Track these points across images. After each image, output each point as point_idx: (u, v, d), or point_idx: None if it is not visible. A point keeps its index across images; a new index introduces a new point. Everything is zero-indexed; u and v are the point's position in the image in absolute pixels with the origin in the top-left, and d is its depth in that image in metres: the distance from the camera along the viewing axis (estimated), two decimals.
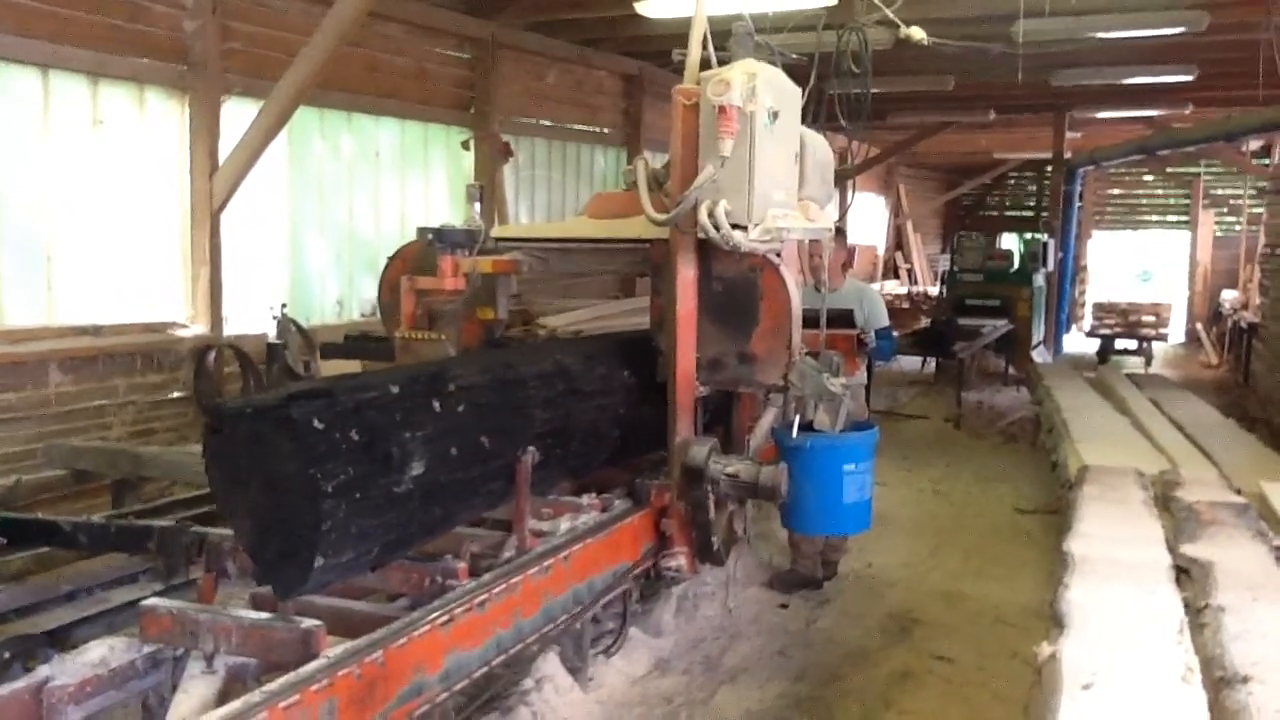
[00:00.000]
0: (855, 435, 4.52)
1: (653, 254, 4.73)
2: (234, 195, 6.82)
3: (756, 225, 4.02)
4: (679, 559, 4.41)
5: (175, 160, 6.80)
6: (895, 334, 6.79)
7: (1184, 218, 21.86)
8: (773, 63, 4.31)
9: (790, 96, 4.33)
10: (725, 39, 4.35)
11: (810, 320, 4.64)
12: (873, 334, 6.05)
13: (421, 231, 4.99)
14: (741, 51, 4.25)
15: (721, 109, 3.92)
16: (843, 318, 5.73)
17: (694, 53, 4.31)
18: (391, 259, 5.42)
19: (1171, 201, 22.65)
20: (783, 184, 4.29)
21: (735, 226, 3.97)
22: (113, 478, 5.29)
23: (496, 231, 5.38)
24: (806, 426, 4.46)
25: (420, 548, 3.57)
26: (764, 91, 4.02)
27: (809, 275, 5.64)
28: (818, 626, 5.30)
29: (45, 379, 5.97)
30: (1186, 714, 2.84)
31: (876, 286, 19.49)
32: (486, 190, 9.27)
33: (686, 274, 4.34)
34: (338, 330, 7.29)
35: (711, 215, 3.94)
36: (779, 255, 4.41)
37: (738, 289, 4.41)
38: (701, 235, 4.03)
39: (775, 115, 4.12)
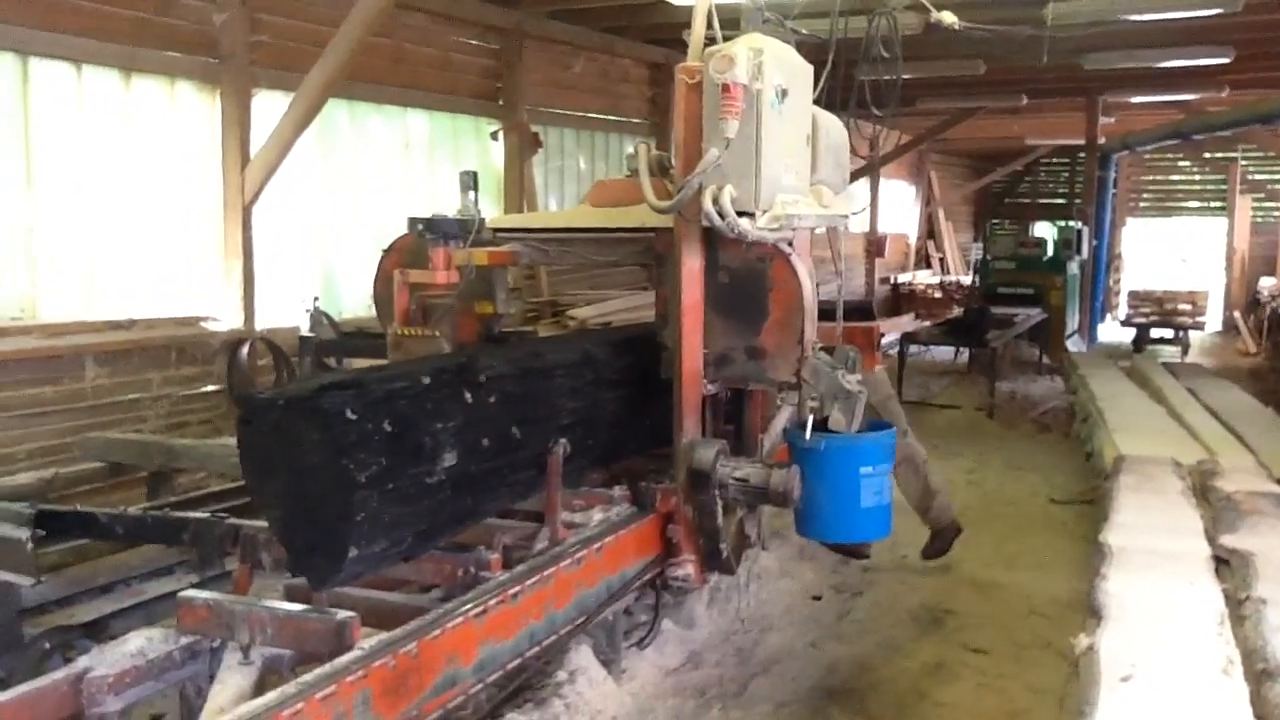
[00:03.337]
0: (873, 435, 4.17)
1: (657, 243, 4.53)
2: (265, 188, 6.86)
3: (765, 212, 3.81)
4: (686, 568, 4.20)
5: (207, 153, 6.84)
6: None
7: (1220, 204, 21.54)
8: (785, 40, 4.07)
9: (801, 74, 4.08)
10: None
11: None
12: None
13: (412, 222, 4.71)
14: (751, 29, 4.01)
15: (725, 87, 3.67)
16: (860, 310, 5.58)
17: (698, 28, 4.05)
18: (386, 251, 5.19)
19: (1208, 187, 22.32)
20: (793, 167, 4.05)
21: (742, 213, 3.75)
22: (148, 470, 5.34)
23: (492, 221, 5.13)
24: (821, 426, 4.11)
25: (451, 539, 3.58)
26: (771, 68, 3.77)
27: None
28: (850, 618, 5.27)
29: (81, 372, 6.03)
30: (1227, 707, 2.80)
31: (908, 276, 19.37)
32: (516, 181, 9.33)
33: (691, 264, 4.11)
34: (370, 323, 7.32)
35: (716, 201, 3.72)
36: (790, 244, 4.15)
37: (746, 280, 4.16)
38: (706, 223, 3.82)
39: (784, 94, 3.88)
